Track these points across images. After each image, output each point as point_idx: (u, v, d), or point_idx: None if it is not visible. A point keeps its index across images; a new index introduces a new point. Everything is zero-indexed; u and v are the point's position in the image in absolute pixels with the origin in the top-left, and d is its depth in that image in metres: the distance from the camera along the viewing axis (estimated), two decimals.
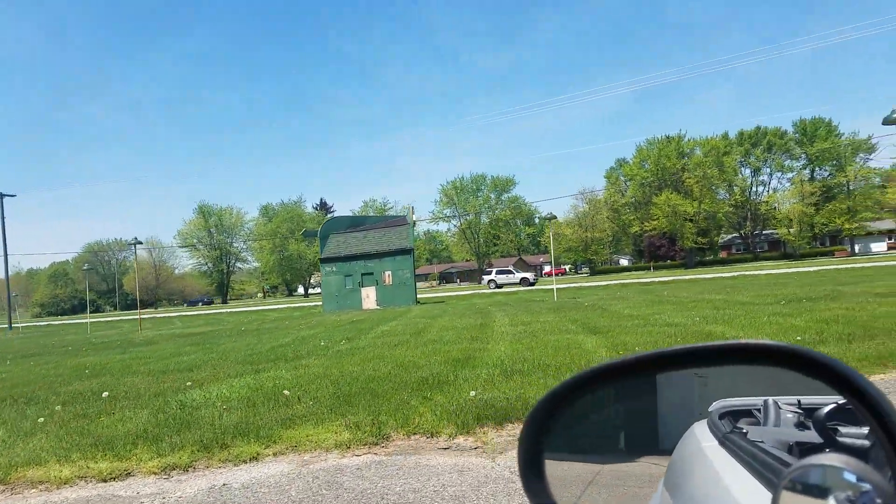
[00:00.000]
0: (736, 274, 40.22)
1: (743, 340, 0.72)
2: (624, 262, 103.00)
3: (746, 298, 16.53)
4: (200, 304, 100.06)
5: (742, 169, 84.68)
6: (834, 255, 77.53)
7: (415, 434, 5.10)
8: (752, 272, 40.69)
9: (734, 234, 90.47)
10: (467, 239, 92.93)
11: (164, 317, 48.51)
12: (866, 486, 0.58)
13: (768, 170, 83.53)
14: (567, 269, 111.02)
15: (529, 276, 57.01)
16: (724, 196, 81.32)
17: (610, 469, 0.96)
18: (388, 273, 35.01)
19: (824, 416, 0.78)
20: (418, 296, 41.72)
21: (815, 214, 75.01)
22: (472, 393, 6.19)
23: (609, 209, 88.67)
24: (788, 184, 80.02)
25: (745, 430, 0.89)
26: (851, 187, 75.24)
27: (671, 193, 76.10)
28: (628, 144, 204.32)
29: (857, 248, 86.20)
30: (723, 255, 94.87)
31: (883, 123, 13.79)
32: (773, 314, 11.56)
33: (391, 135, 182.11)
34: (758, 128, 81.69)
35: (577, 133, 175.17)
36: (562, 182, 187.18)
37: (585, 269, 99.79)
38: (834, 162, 76.92)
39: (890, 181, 71.15)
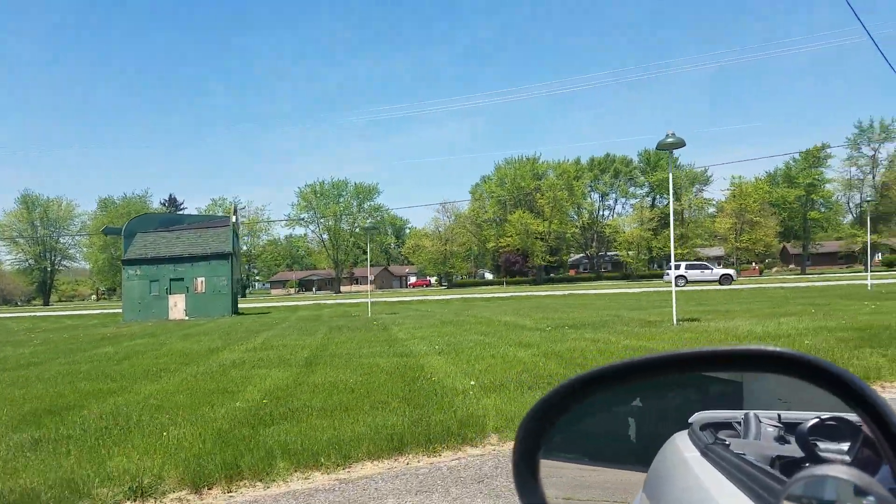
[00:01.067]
0: (567, 293, 41.58)
1: (751, 346, 0.72)
2: (490, 276, 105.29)
3: (527, 322, 16.14)
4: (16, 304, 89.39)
5: (591, 193, 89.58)
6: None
7: None
8: (583, 291, 42.29)
9: (582, 255, 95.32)
10: (325, 246, 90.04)
11: None
12: (870, 499, 0.57)
13: (615, 195, 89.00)
14: (431, 281, 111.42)
15: (731, 272, 49.86)
16: (574, 218, 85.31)
17: (600, 472, 0.97)
18: (200, 280, 31.98)
19: (807, 430, 0.79)
20: (242, 305, 38.87)
21: (653, 239, 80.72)
22: None
23: (473, 223, 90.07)
24: (631, 209, 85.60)
25: (727, 442, 0.90)
26: (686, 215, 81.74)
27: (524, 212, 78.53)
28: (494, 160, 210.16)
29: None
30: (571, 272, 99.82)
31: (657, 148, 13.81)
32: (509, 344, 10.89)
33: (269, 134, 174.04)
34: (607, 155, 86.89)
35: (452, 145, 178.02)
36: (429, 195, 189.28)
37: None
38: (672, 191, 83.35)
39: (720, 212, 78.45)
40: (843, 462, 0.73)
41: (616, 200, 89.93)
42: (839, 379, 0.65)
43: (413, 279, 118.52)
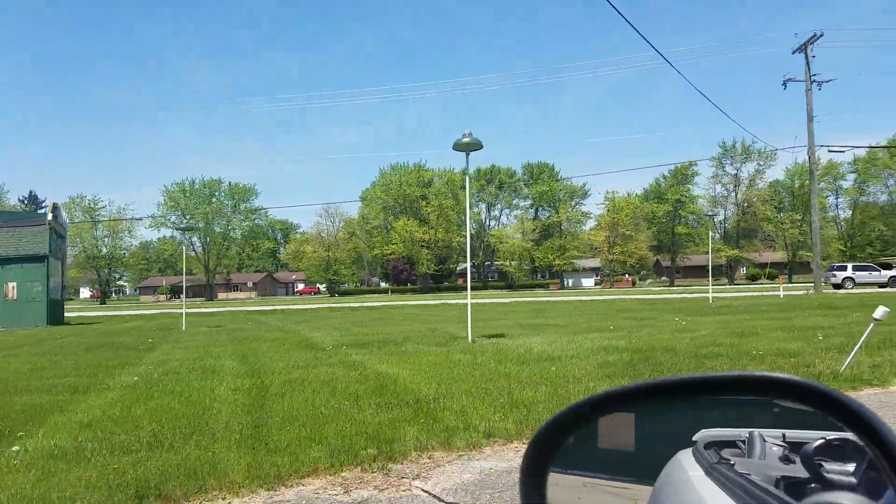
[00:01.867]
0: (439, 302, 40.41)
1: (753, 372, 0.73)
2: (385, 284, 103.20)
3: (326, 338, 14.31)
4: None
5: (479, 203, 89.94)
6: (549, 287, 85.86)
7: None
8: (454, 301, 41.24)
9: (470, 264, 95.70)
10: (195, 250, 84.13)
11: None
12: None
13: (500, 206, 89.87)
14: (321, 289, 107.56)
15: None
16: (460, 226, 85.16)
17: (606, 486, 0.97)
18: (11, 285, 27.87)
19: (812, 451, 0.79)
20: (69, 314, 34.42)
21: (536, 250, 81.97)
22: None
23: (362, 230, 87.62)
24: (515, 220, 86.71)
25: (732, 462, 0.89)
26: (564, 227, 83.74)
27: (409, 220, 77.31)
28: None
29: (569, 281, 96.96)
30: (460, 281, 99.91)
31: (454, 148, 12.49)
32: (238, 375, 8.97)
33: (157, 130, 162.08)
34: (492, 166, 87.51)
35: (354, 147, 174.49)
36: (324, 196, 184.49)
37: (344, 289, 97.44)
38: (552, 203, 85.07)
39: (598, 227, 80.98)
40: (849, 486, 0.72)
41: (501, 211, 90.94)
42: (840, 404, 0.65)
43: (301, 286, 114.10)
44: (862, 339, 7.74)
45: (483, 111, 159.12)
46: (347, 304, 42.14)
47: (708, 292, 30.31)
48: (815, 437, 0.80)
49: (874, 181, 73.01)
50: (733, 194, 74.89)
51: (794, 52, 33.48)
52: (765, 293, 36.00)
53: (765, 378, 0.72)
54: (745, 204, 73.19)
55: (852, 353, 7.77)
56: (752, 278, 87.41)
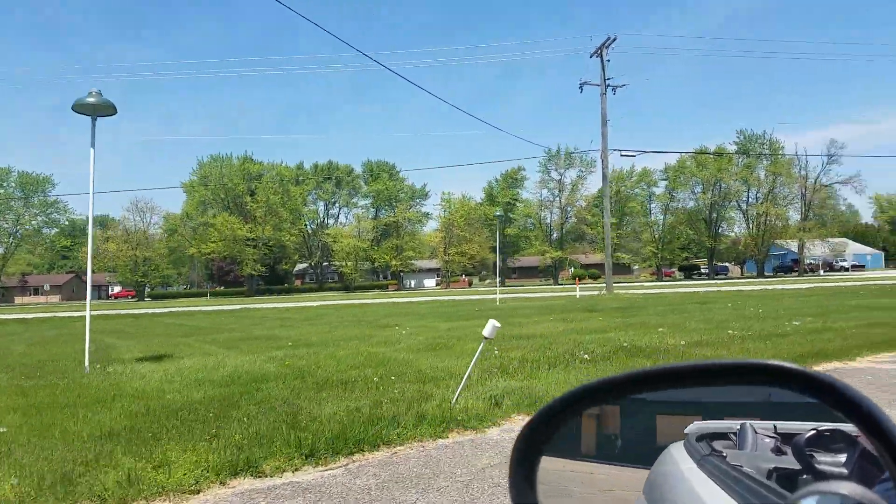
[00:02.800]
0: (242, 306, 36.43)
1: (750, 360, 0.72)
2: (220, 286, 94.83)
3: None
4: None
5: (317, 202, 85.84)
6: (388, 288, 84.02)
7: None
8: (259, 305, 37.46)
9: (307, 265, 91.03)
10: None
11: None
12: None
13: (338, 205, 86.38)
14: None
15: None
16: (293, 225, 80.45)
17: (602, 470, 0.97)
18: None
19: (804, 442, 0.79)
20: None
21: (375, 250, 79.52)
22: None
23: (186, 226, 79.57)
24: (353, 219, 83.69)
25: (724, 454, 0.89)
26: (404, 227, 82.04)
27: (230, 216, 71.49)
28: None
29: (411, 282, 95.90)
30: (298, 283, 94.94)
31: (73, 109, 9.37)
32: None
33: None
34: (330, 162, 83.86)
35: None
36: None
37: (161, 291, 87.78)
38: (391, 203, 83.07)
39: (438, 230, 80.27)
40: (841, 476, 0.73)
41: (340, 209, 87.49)
42: (836, 391, 0.64)
43: (118, 289, 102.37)
44: (472, 364, 5.88)
45: (322, 106, 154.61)
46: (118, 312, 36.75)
47: (512, 293, 29.72)
48: (807, 429, 0.79)
49: (682, 188, 79.29)
50: (558, 198, 77.66)
51: (591, 56, 34.02)
52: (565, 293, 36.38)
53: (756, 365, 0.71)
54: (569, 208, 76.25)
55: (462, 380, 5.88)
56: (577, 278, 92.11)
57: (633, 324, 13.50)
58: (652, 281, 75.60)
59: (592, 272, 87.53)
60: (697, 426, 0.94)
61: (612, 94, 33.62)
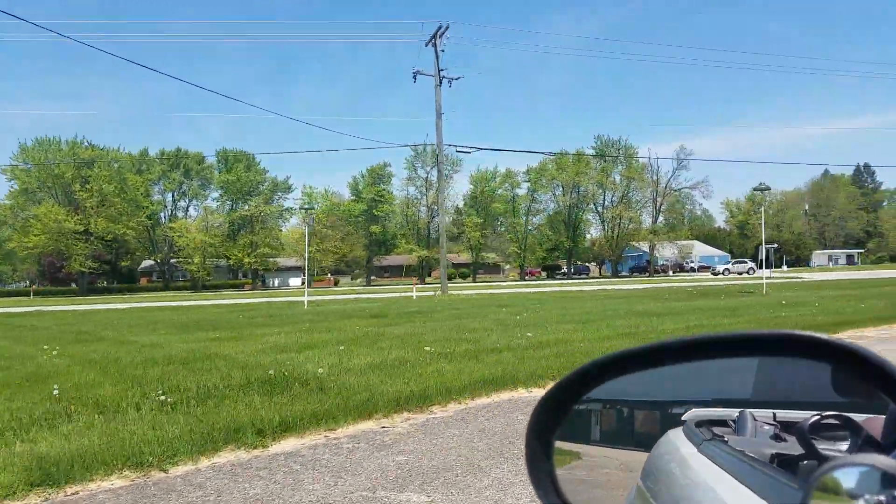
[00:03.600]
0: (34, 309, 31.09)
1: (790, 331, 0.72)
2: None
3: None
4: None
5: (164, 192, 78.59)
6: (243, 287, 78.70)
7: None
8: (56, 308, 32.25)
9: (153, 262, 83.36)
10: None
11: None
12: None
13: (187, 196, 79.65)
14: None
15: None
16: (131, 217, 72.94)
17: (606, 455, 0.99)
18: None
19: (808, 427, 0.78)
20: None
21: (228, 246, 73.93)
22: None
23: (15, 217, 69.62)
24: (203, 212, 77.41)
25: (726, 439, 0.90)
26: (263, 222, 76.87)
27: (55, 206, 63.50)
28: None
29: (275, 281, 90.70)
30: (144, 281, 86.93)
31: None
32: None
33: None
34: (178, 149, 77.07)
35: None
36: None
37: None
38: (248, 196, 77.65)
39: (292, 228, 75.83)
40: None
41: (190, 201, 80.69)
42: (882, 369, 0.63)
43: None
44: None
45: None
46: None
47: (351, 293, 27.29)
48: (808, 416, 0.79)
49: (544, 190, 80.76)
50: (425, 196, 76.33)
51: (426, 45, 32.33)
52: (401, 294, 34.60)
53: (798, 337, 0.71)
54: (435, 206, 75.00)
55: None
56: (451, 277, 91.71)
57: (384, 335, 11.53)
58: (515, 280, 76.30)
59: (463, 271, 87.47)
60: (695, 413, 0.93)
61: (447, 86, 32.13)
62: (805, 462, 0.76)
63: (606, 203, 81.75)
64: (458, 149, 32.67)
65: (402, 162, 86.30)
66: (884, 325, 12.23)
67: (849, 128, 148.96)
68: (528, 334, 10.44)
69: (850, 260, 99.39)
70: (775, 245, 66.97)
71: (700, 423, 0.93)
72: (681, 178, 79.04)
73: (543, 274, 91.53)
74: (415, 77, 31.93)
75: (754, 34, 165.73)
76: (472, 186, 78.11)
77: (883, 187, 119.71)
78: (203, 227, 71.56)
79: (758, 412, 0.89)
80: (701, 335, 0.80)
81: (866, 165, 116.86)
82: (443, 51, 31.74)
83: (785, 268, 78.56)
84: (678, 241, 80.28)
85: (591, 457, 0.95)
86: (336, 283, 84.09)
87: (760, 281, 27.66)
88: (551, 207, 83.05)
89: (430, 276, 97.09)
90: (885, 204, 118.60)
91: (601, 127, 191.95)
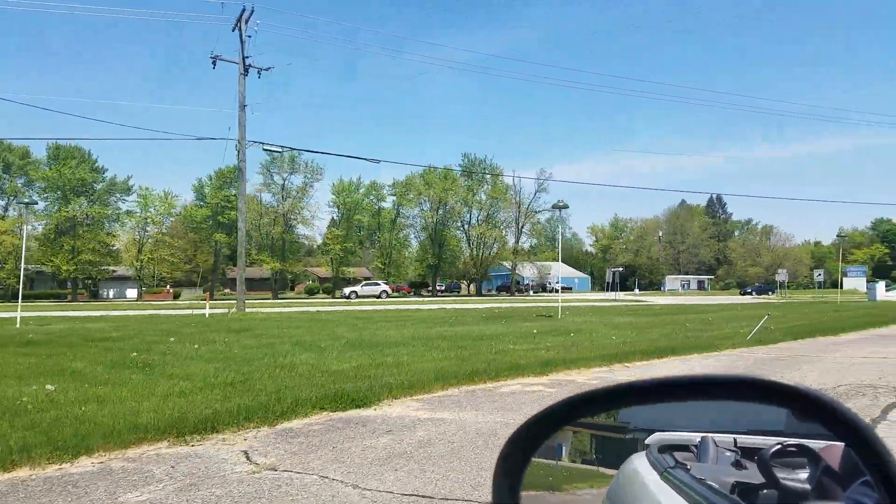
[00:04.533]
0: None
1: (746, 375, 0.73)
2: None
3: None
4: None
5: None
6: (67, 298, 69.65)
7: None
8: None
9: None
10: None
11: None
12: None
13: (7, 194, 69.68)
14: None
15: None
16: None
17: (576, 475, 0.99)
18: None
19: (769, 456, 0.79)
20: None
21: (48, 252, 64.98)
22: None
23: None
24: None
25: (688, 466, 0.90)
26: (88, 227, 68.07)
27: None
28: None
29: (110, 292, 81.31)
30: None
31: None
32: None
33: None
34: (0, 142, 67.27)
35: None
36: None
37: None
38: (77, 196, 68.93)
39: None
40: (803, 492, 0.75)
41: (8, 200, 70.56)
42: (833, 410, 0.65)
43: None
44: None
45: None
46: None
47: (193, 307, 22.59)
48: (767, 444, 0.80)
49: (410, 205, 78.50)
50: (282, 206, 71.24)
51: (232, 30, 28.68)
52: (193, 311, 30.30)
53: (751, 382, 0.72)
54: (291, 216, 70.43)
55: None
56: (310, 292, 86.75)
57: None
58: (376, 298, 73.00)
59: (327, 286, 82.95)
60: (658, 437, 0.93)
61: (255, 76, 28.60)
62: (765, 492, 0.76)
63: (473, 221, 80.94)
64: (265, 147, 29.04)
65: (256, 166, 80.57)
66: (619, 363, 10.24)
67: (704, 163, 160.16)
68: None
69: (700, 285, 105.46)
70: (621, 268, 68.79)
71: (663, 448, 0.93)
72: (541, 201, 79.78)
73: (412, 292, 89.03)
74: (214, 63, 28.11)
75: (638, 64, 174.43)
76: (334, 196, 74.16)
77: (734, 217, 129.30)
78: (16, 230, 62.39)
79: (719, 437, 0.89)
80: (656, 379, 0.80)
81: (719, 197, 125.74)
82: (249, 36, 28.25)
83: (637, 291, 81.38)
84: (538, 262, 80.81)
85: (557, 482, 0.94)
86: (177, 297, 76.65)
87: (557, 305, 26.11)
88: (419, 224, 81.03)
89: (292, 289, 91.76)
90: (737, 234, 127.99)
91: (469, 146, 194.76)
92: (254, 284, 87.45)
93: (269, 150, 29.38)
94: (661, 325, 18.52)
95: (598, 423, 0.93)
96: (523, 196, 79.88)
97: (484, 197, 79.00)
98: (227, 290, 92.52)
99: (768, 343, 14.57)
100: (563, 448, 0.94)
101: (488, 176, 77.61)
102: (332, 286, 79.59)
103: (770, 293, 73.15)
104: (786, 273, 67.57)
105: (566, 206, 24.08)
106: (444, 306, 35.48)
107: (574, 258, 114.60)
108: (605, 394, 0.84)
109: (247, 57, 28.28)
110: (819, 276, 59.16)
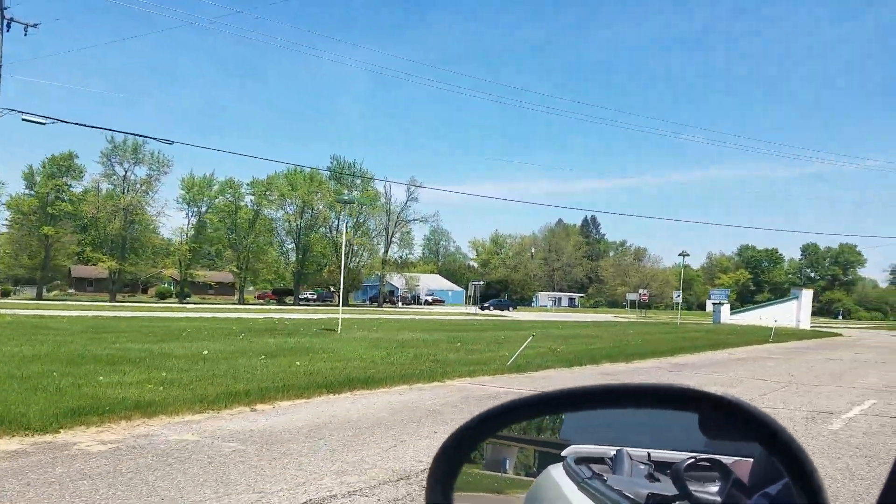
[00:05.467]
0: None
1: (677, 385, 0.75)
2: None
3: None
4: None
5: None
6: None
7: None
8: None
9: None
10: None
11: None
12: None
13: None
14: None
15: None
16: None
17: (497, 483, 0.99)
18: None
19: (683, 469, 0.82)
20: None
21: None
22: None
23: None
24: None
25: (605, 478, 0.92)
26: None
27: None
28: None
29: None
30: None
31: None
32: None
33: None
34: None
35: None
36: None
37: None
38: None
39: None
40: (713, 503, 0.78)
41: None
42: (766, 425, 0.67)
43: None
44: None
45: None
46: None
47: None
48: (680, 458, 0.83)
49: (272, 206, 73.35)
50: (119, 199, 63.58)
51: None
52: None
53: (688, 392, 0.73)
54: (132, 211, 63.18)
55: None
56: (161, 296, 79.19)
57: None
58: (232, 304, 67.14)
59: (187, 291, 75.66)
60: (574, 449, 0.95)
61: (16, 33, 23.71)
62: (678, 503, 0.79)
63: (341, 228, 76.99)
64: (25, 117, 24.01)
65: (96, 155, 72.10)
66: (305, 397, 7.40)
67: (580, 188, 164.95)
68: None
69: (571, 302, 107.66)
70: (481, 282, 67.88)
71: (579, 460, 0.94)
72: (411, 210, 77.47)
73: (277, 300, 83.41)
74: None
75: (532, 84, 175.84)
76: (183, 192, 67.37)
77: (609, 238, 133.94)
78: None
79: (633, 451, 0.91)
80: (573, 389, 0.81)
81: (593, 218, 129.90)
82: None
83: (511, 309, 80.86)
84: (407, 274, 78.32)
85: (476, 491, 0.94)
86: (6, 294, 66.80)
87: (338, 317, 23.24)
88: (282, 227, 75.92)
89: (144, 292, 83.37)
90: (612, 254, 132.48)
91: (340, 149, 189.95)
92: (88, 284, 78.28)
93: (30, 121, 24.29)
94: (434, 343, 16.11)
95: (515, 437, 0.93)
96: (394, 205, 77.24)
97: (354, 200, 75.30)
98: (71, 290, 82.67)
99: (527, 370, 12.46)
100: (507, 461, 0.95)
101: (358, 181, 74.12)
102: (180, 290, 72.67)
103: (511, 308, 72.36)
104: (641, 293, 69.50)
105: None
106: (283, 315, 31.56)
107: (455, 271, 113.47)
108: (521, 405, 0.84)
109: (6, 8, 23.38)
110: (678, 297, 60.80)
